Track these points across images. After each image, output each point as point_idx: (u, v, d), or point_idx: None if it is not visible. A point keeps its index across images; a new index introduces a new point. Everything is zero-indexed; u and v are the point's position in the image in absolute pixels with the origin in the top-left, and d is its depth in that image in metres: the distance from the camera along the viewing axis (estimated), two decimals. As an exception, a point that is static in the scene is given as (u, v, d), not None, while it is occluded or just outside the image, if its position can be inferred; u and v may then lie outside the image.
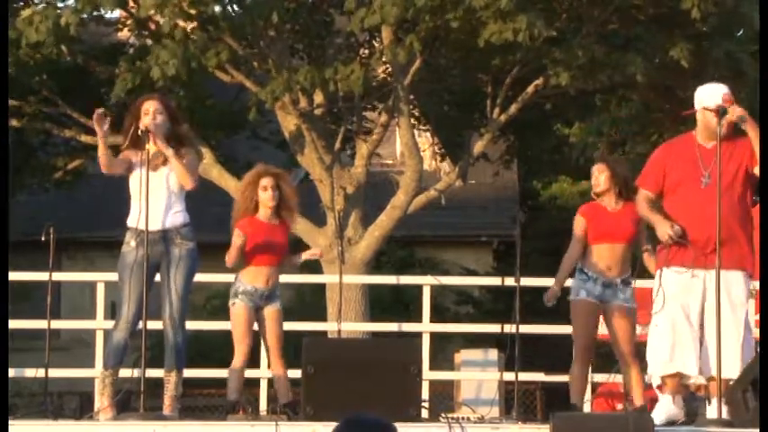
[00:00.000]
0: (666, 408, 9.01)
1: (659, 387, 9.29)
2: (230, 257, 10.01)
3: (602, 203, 10.22)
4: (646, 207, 9.27)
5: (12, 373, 14.41)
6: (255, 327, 10.16)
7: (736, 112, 8.93)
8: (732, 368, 8.77)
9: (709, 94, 9.16)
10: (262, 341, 10.36)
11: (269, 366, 11.45)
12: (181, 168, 9.14)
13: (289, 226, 10.38)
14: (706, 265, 8.89)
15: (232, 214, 10.30)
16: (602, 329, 10.29)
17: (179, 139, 9.35)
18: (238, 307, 9.99)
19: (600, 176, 10.19)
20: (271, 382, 12.26)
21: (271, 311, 10.06)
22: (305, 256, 10.65)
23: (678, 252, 8.98)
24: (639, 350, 9.93)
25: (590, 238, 10.13)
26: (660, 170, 9.19)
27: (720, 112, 8.96)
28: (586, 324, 10.10)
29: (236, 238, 10.01)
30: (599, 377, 12.60)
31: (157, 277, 9.34)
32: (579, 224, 10.18)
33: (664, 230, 8.98)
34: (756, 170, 8.94)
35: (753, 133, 8.90)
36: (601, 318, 10.17)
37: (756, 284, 12.14)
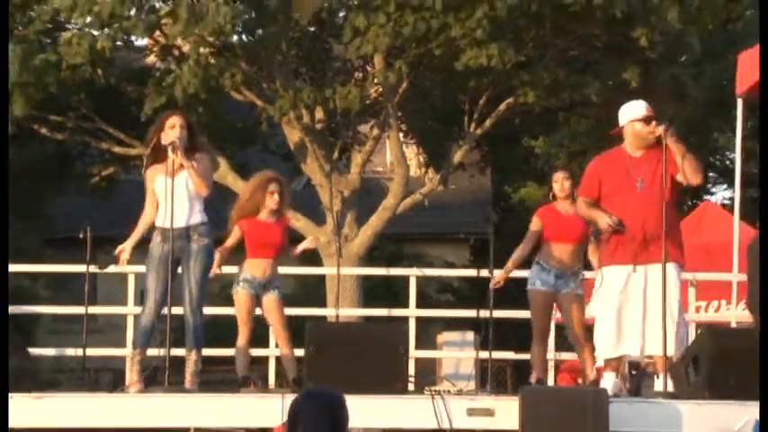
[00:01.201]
0: (612, 383, 9.02)
1: (601, 367, 9.31)
2: (226, 247, 10.05)
3: (557, 207, 10.24)
4: (584, 206, 9.28)
5: (54, 352, 14.44)
6: (259, 311, 10.16)
7: (658, 129, 8.98)
8: (669, 347, 8.77)
9: (634, 108, 9.21)
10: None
11: (276, 346, 11.47)
12: (197, 179, 9.10)
13: (285, 223, 10.34)
14: (645, 260, 8.90)
15: (234, 210, 10.26)
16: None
17: (197, 148, 9.31)
18: (240, 294, 10.01)
19: (566, 183, 10.18)
20: (278, 359, 12.25)
21: (268, 299, 10.05)
22: (301, 247, 10.58)
23: (619, 249, 8.97)
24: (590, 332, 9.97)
25: (548, 236, 10.18)
26: (596, 179, 9.19)
27: (647, 119, 9.03)
28: (541, 310, 10.18)
29: (236, 234, 10.07)
30: (565, 355, 12.58)
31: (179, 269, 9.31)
32: (535, 224, 10.24)
33: (604, 221, 8.99)
34: (679, 177, 8.98)
35: (674, 146, 8.93)
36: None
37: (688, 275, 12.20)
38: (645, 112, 9.10)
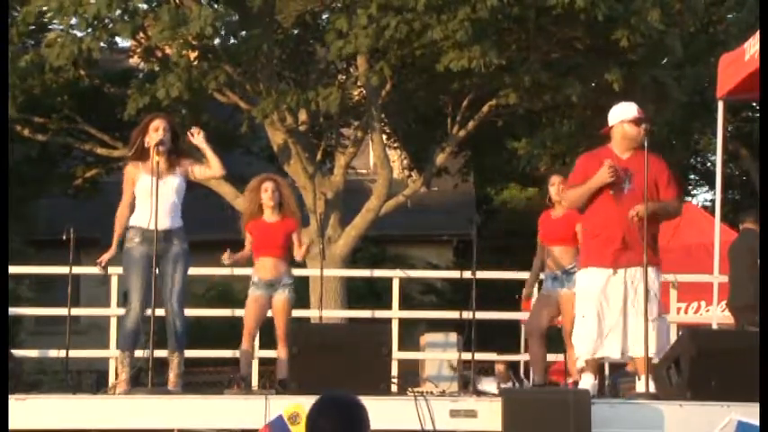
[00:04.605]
0: (591, 385, 9.01)
1: (580, 368, 9.30)
2: (243, 254, 10.07)
3: (551, 212, 10.31)
4: (574, 189, 9.12)
5: (37, 353, 14.37)
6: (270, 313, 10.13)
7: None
8: (651, 348, 8.77)
9: (625, 109, 9.20)
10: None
11: (260, 347, 11.44)
12: (214, 157, 9.16)
13: (291, 223, 10.20)
14: (625, 263, 8.89)
15: (241, 219, 10.32)
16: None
17: (179, 153, 9.29)
18: (249, 297, 10.02)
19: (561, 187, 10.19)
20: (262, 360, 12.24)
21: (277, 299, 10.02)
22: (303, 247, 10.44)
23: (599, 251, 8.96)
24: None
25: (541, 239, 10.30)
26: (586, 176, 9.14)
27: (637, 120, 9.03)
28: (540, 312, 10.18)
29: (248, 239, 10.09)
30: (551, 357, 12.57)
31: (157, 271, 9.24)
32: (539, 231, 10.37)
33: (603, 174, 8.89)
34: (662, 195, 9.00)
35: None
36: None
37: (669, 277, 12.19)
38: (636, 113, 9.10)
